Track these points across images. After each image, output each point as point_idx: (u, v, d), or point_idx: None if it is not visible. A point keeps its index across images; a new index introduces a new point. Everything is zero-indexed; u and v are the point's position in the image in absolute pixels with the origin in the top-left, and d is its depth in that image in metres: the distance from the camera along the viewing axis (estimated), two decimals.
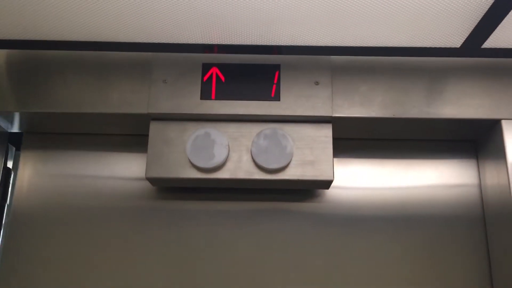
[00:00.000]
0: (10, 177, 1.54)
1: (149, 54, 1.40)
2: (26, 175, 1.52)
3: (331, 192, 1.50)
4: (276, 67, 1.39)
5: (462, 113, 1.36)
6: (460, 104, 1.37)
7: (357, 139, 1.53)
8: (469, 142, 1.54)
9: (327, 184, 1.37)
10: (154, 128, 1.38)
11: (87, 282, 1.42)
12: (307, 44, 1.32)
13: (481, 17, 1.16)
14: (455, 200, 1.49)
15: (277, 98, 1.36)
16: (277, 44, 1.33)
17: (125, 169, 1.53)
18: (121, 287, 1.42)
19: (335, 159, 1.37)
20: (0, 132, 1.50)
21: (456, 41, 1.28)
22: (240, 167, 1.35)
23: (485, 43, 1.28)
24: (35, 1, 1.15)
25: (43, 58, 1.42)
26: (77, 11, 1.18)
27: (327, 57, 1.40)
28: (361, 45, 1.32)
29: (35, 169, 1.53)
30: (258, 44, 1.32)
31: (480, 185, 1.50)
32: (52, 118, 1.43)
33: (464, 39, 1.27)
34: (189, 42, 1.32)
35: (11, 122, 1.48)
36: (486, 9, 1.13)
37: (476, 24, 1.19)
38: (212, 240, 1.46)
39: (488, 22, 1.18)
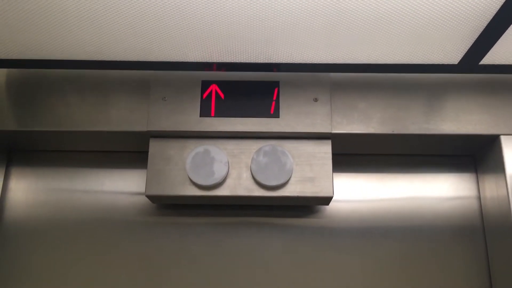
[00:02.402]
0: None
1: (148, 72, 1.41)
2: (21, 192, 1.52)
3: (331, 207, 1.50)
4: (275, 84, 1.40)
5: (461, 129, 1.37)
6: (459, 120, 1.37)
7: (357, 154, 1.54)
8: (468, 157, 1.54)
9: (327, 200, 1.37)
10: (154, 146, 1.38)
11: None
12: (306, 62, 1.33)
13: (479, 34, 1.17)
14: (455, 212, 1.50)
15: (276, 115, 1.37)
16: (276, 62, 1.33)
17: (125, 185, 1.53)
18: None
19: (334, 174, 1.37)
20: (0, 150, 1.50)
21: (454, 58, 1.29)
22: (239, 184, 1.35)
23: (483, 59, 1.28)
24: (35, 21, 1.16)
25: (43, 77, 1.43)
26: (76, 30, 1.19)
27: (326, 74, 1.40)
28: (360, 62, 1.32)
29: (32, 186, 1.53)
30: (257, 62, 1.33)
31: (479, 198, 1.51)
32: (50, 136, 1.43)
33: (462, 56, 1.27)
34: (188, 61, 1.33)
35: (11, 140, 1.48)
36: (484, 26, 1.14)
37: (474, 41, 1.20)
38: (211, 254, 1.46)
39: (486, 39, 1.19)
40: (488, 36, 1.17)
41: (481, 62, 1.30)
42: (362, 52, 1.28)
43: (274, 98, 1.38)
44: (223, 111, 1.37)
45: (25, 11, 1.12)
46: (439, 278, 1.43)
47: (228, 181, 1.35)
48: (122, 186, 1.53)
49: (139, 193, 1.51)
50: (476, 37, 1.18)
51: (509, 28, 1.13)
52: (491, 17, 1.10)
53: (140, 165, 1.50)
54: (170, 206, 1.50)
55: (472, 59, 1.28)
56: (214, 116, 1.37)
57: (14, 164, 1.55)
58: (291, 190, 1.34)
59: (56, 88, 1.42)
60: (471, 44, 1.21)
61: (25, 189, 1.53)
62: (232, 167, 1.36)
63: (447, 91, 1.40)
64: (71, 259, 1.46)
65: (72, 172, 1.54)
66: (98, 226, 1.49)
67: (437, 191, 1.52)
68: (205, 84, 1.40)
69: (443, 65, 1.32)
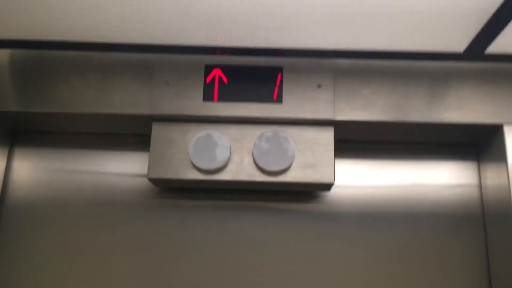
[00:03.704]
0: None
1: (152, 55, 1.40)
2: (25, 172, 1.53)
3: (332, 193, 1.50)
4: (279, 70, 1.39)
5: (464, 118, 1.36)
6: (462, 108, 1.37)
7: (359, 141, 1.53)
8: (471, 145, 1.54)
9: (328, 186, 1.38)
10: (156, 129, 1.38)
11: (84, 278, 1.44)
12: (310, 47, 1.32)
13: (485, 22, 1.16)
14: (455, 200, 1.50)
15: (279, 100, 1.37)
16: (280, 47, 1.33)
17: (128, 167, 1.53)
18: (119, 283, 1.43)
19: (336, 160, 1.37)
20: (3, 131, 1.50)
21: (460, 46, 1.28)
22: (241, 169, 1.35)
23: (488, 48, 1.28)
24: (39, 2, 1.15)
25: (47, 59, 1.42)
26: (80, 12, 1.19)
27: (330, 60, 1.40)
28: (364, 49, 1.32)
29: (36, 167, 1.53)
30: (261, 47, 1.33)
31: (480, 186, 1.51)
32: (54, 117, 1.43)
33: (468, 44, 1.26)
34: (192, 45, 1.33)
35: (14, 121, 1.49)
36: (491, 15, 1.13)
37: (480, 29, 1.19)
38: (212, 238, 1.47)
39: (492, 28, 1.18)
40: (494, 25, 1.17)
41: (487, 51, 1.29)
42: (367, 39, 1.27)
43: (278, 83, 1.38)
44: (226, 96, 1.37)
45: None
46: (439, 264, 1.44)
47: (230, 166, 1.35)
48: (124, 168, 1.53)
49: (142, 175, 1.51)
50: (482, 25, 1.18)
51: None
52: (498, 6, 1.09)
53: (142, 148, 1.50)
54: (172, 189, 1.51)
55: (478, 47, 1.28)
56: (217, 101, 1.37)
57: (17, 145, 1.56)
58: (293, 175, 1.34)
59: (59, 69, 1.41)
60: (477, 32, 1.21)
61: (29, 170, 1.54)
62: (234, 152, 1.36)
63: (451, 79, 1.39)
64: (73, 240, 1.47)
65: (75, 153, 1.54)
66: (100, 207, 1.50)
67: (439, 179, 1.52)
68: (209, 68, 1.39)
69: (448, 53, 1.31)
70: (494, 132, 1.41)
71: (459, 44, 1.27)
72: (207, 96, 1.37)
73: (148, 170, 1.35)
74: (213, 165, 1.33)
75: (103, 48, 1.36)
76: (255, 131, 1.38)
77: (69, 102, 1.39)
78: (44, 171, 1.54)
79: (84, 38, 1.31)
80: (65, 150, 1.55)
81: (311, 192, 1.51)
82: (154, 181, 1.37)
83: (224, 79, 1.38)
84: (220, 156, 1.34)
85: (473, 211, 1.49)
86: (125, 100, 1.38)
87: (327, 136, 1.37)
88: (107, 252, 1.46)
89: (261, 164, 1.33)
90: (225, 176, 1.35)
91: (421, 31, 1.22)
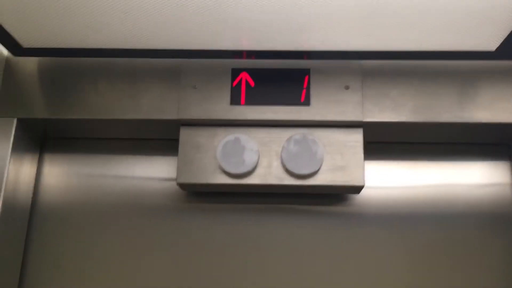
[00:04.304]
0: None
1: (179, 60, 1.41)
2: (55, 178, 1.55)
3: (361, 194, 1.48)
4: (306, 72, 1.38)
5: (496, 117, 1.34)
6: (493, 108, 1.34)
7: (388, 142, 1.52)
8: (502, 145, 1.51)
9: (358, 189, 1.36)
10: (184, 134, 1.38)
11: (113, 281, 1.45)
12: (337, 49, 1.31)
13: None
14: (487, 200, 1.47)
15: (307, 103, 1.36)
16: (307, 49, 1.32)
17: (156, 172, 1.54)
18: (148, 286, 1.44)
19: (365, 162, 1.36)
20: (33, 138, 1.52)
21: (491, 45, 1.26)
22: (270, 173, 1.35)
23: None
24: (66, 9, 1.16)
25: (74, 66, 1.44)
26: (107, 19, 1.19)
27: (357, 61, 1.38)
28: (393, 49, 1.30)
29: (65, 172, 1.55)
30: (287, 49, 1.32)
31: None
32: (82, 123, 1.44)
33: (500, 43, 1.24)
34: (219, 49, 1.32)
35: (43, 128, 1.50)
36: None
37: None
38: (240, 241, 1.47)
39: None
40: None
41: None
42: (396, 39, 1.25)
43: (305, 86, 1.37)
44: (253, 99, 1.37)
45: (56, 0, 1.12)
46: (471, 265, 1.42)
47: (259, 170, 1.35)
48: (152, 173, 1.54)
49: (169, 180, 1.52)
50: None
51: None
52: None
53: (170, 152, 1.51)
54: (199, 193, 1.51)
55: (510, 46, 1.25)
56: (245, 104, 1.36)
57: (47, 151, 1.58)
58: (322, 178, 1.33)
59: (87, 76, 1.43)
60: (510, 31, 1.18)
61: (58, 176, 1.55)
62: (263, 156, 1.36)
63: (481, 78, 1.37)
64: (103, 243, 1.48)
65: (103, 158, 1.56)
66: (129, 211, 1.51)
67: (470, 179, 1.49)
68: (235, 72, 1.39)
69: (479, 52, 1.29)
70: None
71: (491, 42, 1.25)
72: (234, 100, 1.37)
73: (177, 175, 1.35)
74: (241, 169, 1.33)
75: (130, 54, 1.37)
76: (283, 134, 1.37)
77: (97, 108, 1.40)
78: (73, 177, 1.55)
79: (111, 44, 1.32)
80: (93, 155, 1.56)
81: (340, 194, 1.49)
82: (183, 185, 1.37)
83: (251, 82, 1.38)
84: (249, 160, 1.33)
85: (506, 211, 1.47)
86: (153, 105, 1.39)
87: (356, 138, 1.36)
88: (136, 256, 1.47)
89: (290, 168, 1.32)
90: (253, 180, 1.34)
91: (452, 30, 1.20)
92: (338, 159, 1.34)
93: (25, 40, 1.32)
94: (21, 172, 1.47)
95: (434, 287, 1.41)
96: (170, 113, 1.38)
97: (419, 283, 1.42)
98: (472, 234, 1.45)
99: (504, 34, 1.20)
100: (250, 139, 1.35)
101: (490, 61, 1.36)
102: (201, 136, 1.38)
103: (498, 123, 1.34)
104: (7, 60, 1.46)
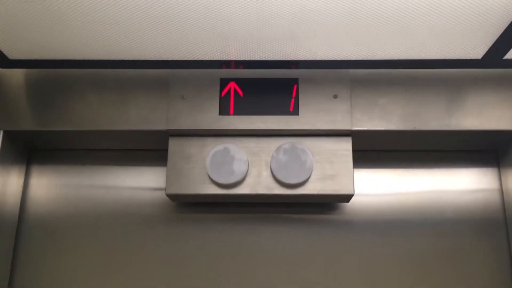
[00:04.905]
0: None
1: (167, 70, 1.40)
2: (42, 190, 1.54)
3: (352, 202, 1.48)
4: (294, 81, 1.38)
5: (484, 125, 1.35)
6: (481, 115, 1.35)
7: (377, 150, 1.52)
8: (491, 152, 1.52)
9: (347, 198, 1.36)
10: (173, 145, 1.37)
11: None
12: (325, 59, 1.31)
13: (504, 29, 1.15)
14: (476, 206, 1.49)
15: (295, 112, 1.36)
16: (295, 59, 1.32)
17: (145, 182, 1.53)
18: None
19: (355, 169, 1.36)
20: (20, 150, 1.51)
21: (478, 53, 1.26)
22: (260, 182, 1.34)
23: (507, 54, 1.26)
24: (53, 21, 1.16)
25: (61, 77, 1.43)
26: (94, 30, 1.19)
27: (346, 70, 1.39)
28: (381, 58, 1.30)
29: (53, 184, 1.54)
30: (276, 59, 1.32)
31: (501, 191, 1.50)
32: (70, 135, 1.43)
33: (486, 51, 1.25)
34: (207, 59, 1.32)
35: (31, 140, 1.49)
36: (509, 21, 1.12)
37: (498, 36, 1.18)
38: (231, 250, 1.46)
39: (511, 34, 1.16)
40: None
41: (505, 57, 1.28)
42: (383, 48, 1.26)
43: (293, 95, 1.37)
44: (242, 109, 1.36)
45: (44, 12, 1.11)
46: (461, 270, 1.43)
47: (248, 180, 1.35)
48: (141, 183, 1.53)
49: (159, 190, 1.51)
50: (501, 32, 1.16)
51: None
52: None
53: (159, 163, 1.50)
54: (189, 203, 1.51)
55: (496, 54, 1.26)
56: (233, 114, 1.36)
57: (34, 163, 1.56)
58: (312, 188, 1.33)
59: (75, 87, 1.42)
60: (496, 39, 1.19)
61: (46, 187, 1.54)
62: (252, 165, 1.35)
63: (469, 86, 1.38)
64: (91, 254, 1.47)
65: (92, 170, 1.55)
66: (118, 222, 1.50)
67: (459, 185, 1.51)
68: (224, 82, 1.39)
69: (466, 60, 1.30)
70: None
71: (477, 50, 1.25)
72: (223, 110, 1.37)
73: (166, 186, 1.34)
74: (231, 179, 1.32)
75: (118, 64, 1.36)
76: (273, 144, 1.37)
77: (85, 120, 1.39)
78: (61, 188, 1.54)
79: (98, 55, 1.31)
80: (82, 166, 1.55)
81: (330, 202, 1.50)
82: (172, 196, 1.37)
83: (240, 92, 1.38)
84: (238, 170, 1.33)
85: (495, 216, 1.48)
86: (141, 116, 1.38)
87: (345, 147, 1.36)
88: (126, 267, 1.46)
89: (279, 177, 1.32)
90: (243, 190, 1.34)
91: (439, 39, 1.20)
92: (328, 168, 1.34)
93: (12, 51, 1.31)
94: (8, 184, 1.46)
95: (424, 287, 1.42)
96: (158, 124, 1.37)
97: (409, 284, 1.42)
98: (461, 239, 1.46)
99: (490, 42, 1.21)
100: (239, 149, 1.35)
101: (477, 69, 1.37)
102: (190, 146, 1.37)
103: (486, 130, 1.35)
104: None
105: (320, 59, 1.31)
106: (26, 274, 1.46)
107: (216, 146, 1.35)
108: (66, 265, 1.46)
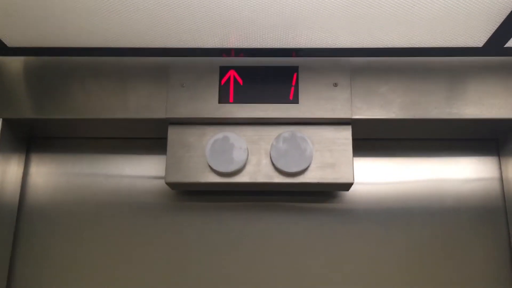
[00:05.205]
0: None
1: (167, 58, 1.40)
2: (42, 178, 1.54)
3: (351, 190, 1.49)
4: (295, 69, 1.37)
5: (484, 113, 1.34)
6: (482, 103, 1.34)
7: (377, 139, 1.52)
8: (491, 140, 1.52)
9: (347, 186, 1.36)
10: (173, 133, 1.37)
11: (102, 280, 1.45)
12: (326, 46, 1.31)
13: (505, 16, 1.14)
14: (476, 194, 1.49)
15: (295, 100, 1.35)
16: (296, 47, 1.31)
17: (145, 170, 1.53)
18: (137, 284, 1.44)
19: (354, 158, 1.36)
20: (20, 138, 1.51)
21: (479, 41, 1.26)
22: (259, 171, 1.34)
23: (508, 42, 1.25)
24: (53, 9, 1.15)
25: (61, 64, 1.42)
26: (94, 18, 1.18)
27: (346, 58, 1.38)
28: (381, 46, 1.30)
29: (53, 172, 1.54)
30: (276, 47, 1.31)
31: (501, 180, 1.50)
32: (70, 123, 1.43)
33: (487, 39, 1.24)
34: (206, 47, 1.32)
35: (30, 128, 1.49)
36: (511, 9, 1.11)
37: (500, 23, 1.17)
38: (230, 238, 1.47)
39: None
40: None
41: (506, 45, 1.27)
42: (384, 36, 1.25)
43: (293, 83, 1.36)
44: (242, 97, 1.36)
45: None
46: (461, 259, 1.43)
47: (248, 168, 1.35)
48: (141, 172, 1.53)
49: (158, 178, 1.51)
50: (502, 20, 1.15)
51: None
52: None
53: (158, 151, 1.50)
54: (188, 191, 1.51)
55: (497, 42, 1.25)
56: (233, 102, 1.36)
57: (34, 151, 1.56)
58: (311, 176, 1.33)
59: (74, 75, 1.41)
60: (497, 26, 1.18)
61: (46, 175, 1.54)
62: (252, 154, 1.35)
63: (470, 74, 1.37)
64: (91, 242, 1.47)
65: (91, 158, 1.55)
66: (117, 210, 1.50)
67: (459, 174, 1.50)
68: (223, 70, 1.38)
69: (467, 48, 1.29)
70: None
71: (478, 38, 1.25)
72: (223, 98, 1.36)
73: (166, 174, 1.34)
74: (230, 168, 1.32)
75: (118, 52, 1.36)
76: (272, 132, 1.36)
77: (85, 108, 1.39)
78: (61, 176, 1.54)
79: (98, 43, 1.31)
80: (81, 154, 1.55)
81: (329, 191, 1.50)
82: (172, 185, 1.37)
83: (240, 80, 1.37)
84: (238, 158, 1.33)
85: (495, 205, 1.48)
86: (141, 104, 1.38)
87: (345, 135, 1.36)
88: (126, 255, 1.46)
89: (279, 166, 1.32)
90: (243, 178, 1.34)
91: (440, 26, 1.20)
92: (327, 157, 1.34)
93: (10, 39, 1.30)
94: (8, 172, 1.46)
95: (425, 280, 1.42)
96: (158, 112, 1.37)
97: (410, 277, 1.42)
98: (462, 228, 1.46)
99: (491, 30, 1.20)
100: (239, 137, 1.35)
101: (478, 57, 1.37)
102: (190, 134, 1.37)
103: (486, 119, 1.35)
104: None
105: (320, 47, 1.31)
106: (26, 262, 1.47)
107: (215, 135, 1.35)
108: (66, 253, 1.47)
